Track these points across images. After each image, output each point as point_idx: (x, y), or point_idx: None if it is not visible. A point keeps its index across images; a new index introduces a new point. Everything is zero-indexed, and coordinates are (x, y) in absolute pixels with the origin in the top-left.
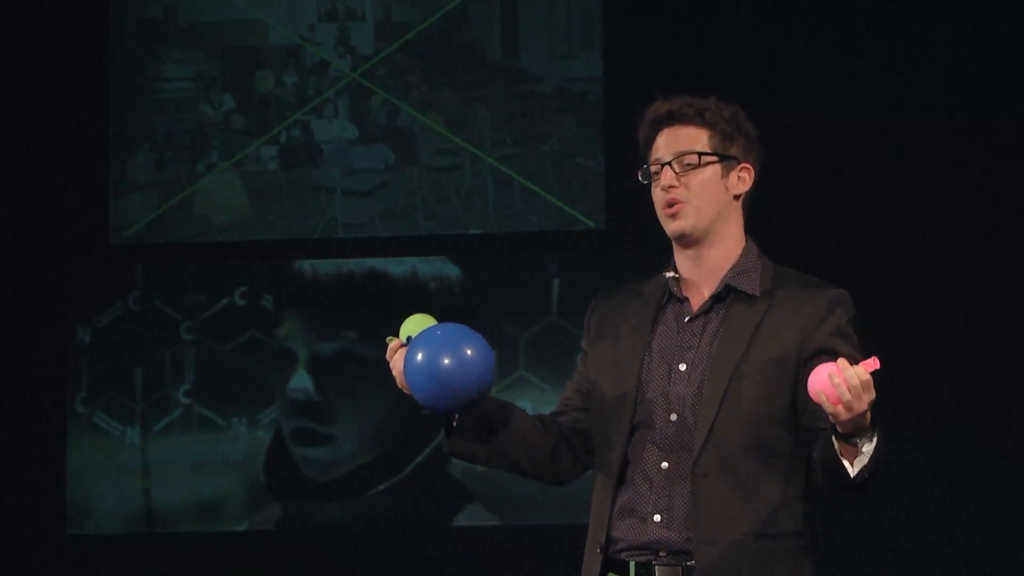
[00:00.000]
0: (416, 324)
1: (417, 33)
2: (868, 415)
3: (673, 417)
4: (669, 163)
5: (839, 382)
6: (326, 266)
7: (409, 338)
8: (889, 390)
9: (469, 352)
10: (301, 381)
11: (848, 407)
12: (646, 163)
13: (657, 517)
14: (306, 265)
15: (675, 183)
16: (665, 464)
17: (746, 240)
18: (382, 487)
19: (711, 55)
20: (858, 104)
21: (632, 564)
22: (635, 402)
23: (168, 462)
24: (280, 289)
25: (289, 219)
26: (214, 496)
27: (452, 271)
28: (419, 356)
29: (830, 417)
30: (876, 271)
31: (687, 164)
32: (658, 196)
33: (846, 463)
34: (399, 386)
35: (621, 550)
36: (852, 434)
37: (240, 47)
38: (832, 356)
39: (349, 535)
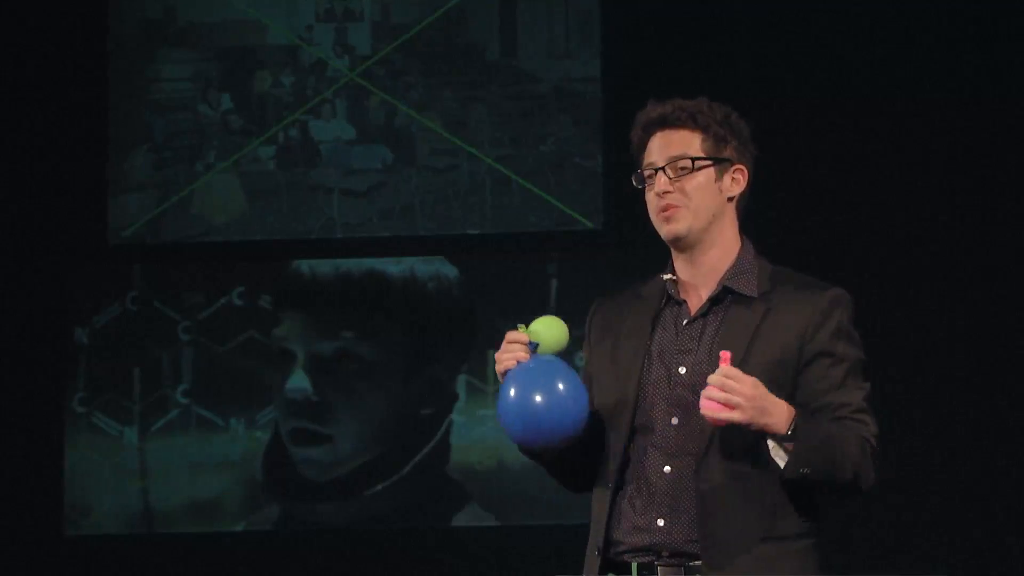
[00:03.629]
0: (547, 329)
1: (415, 33)
2: (773, 419)
3: (674, 421)
4: (663, 168)
5: (713, 393)
6: (324, 266)
7: (534, 345)
8: (889, 389)
9: (566, 408)
10: (299, 381)
11: (735, 405)
12: (639, 167)
13: (660, 521)
14: (304, 265)
15: (669, 188)
16: (668, 468)
17: (742, 241)
18: (381, 487)
19: (709, 55)
20: (858, 103)
21: (634, 565)
22: (635, 406)
23: (166, 462)
24: (278, 289)
25: (287, 219)
26: (212, 496)
27: (450, 271)
28: (515, 395)
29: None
30: (875, 269)
31: (681, 169)
32: (652, 201)
33: (777, 457)
34: (499, 372)
35: (623, 552)
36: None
37: (238, 47)
38: (832, 358)
39: (348, 535)
